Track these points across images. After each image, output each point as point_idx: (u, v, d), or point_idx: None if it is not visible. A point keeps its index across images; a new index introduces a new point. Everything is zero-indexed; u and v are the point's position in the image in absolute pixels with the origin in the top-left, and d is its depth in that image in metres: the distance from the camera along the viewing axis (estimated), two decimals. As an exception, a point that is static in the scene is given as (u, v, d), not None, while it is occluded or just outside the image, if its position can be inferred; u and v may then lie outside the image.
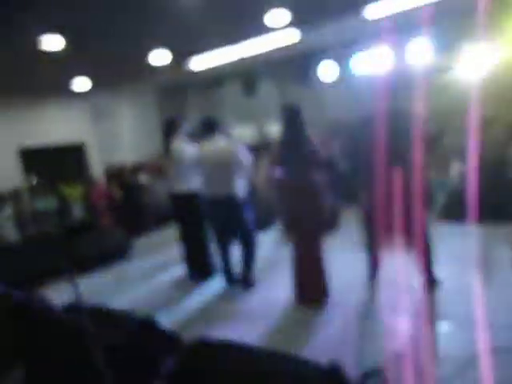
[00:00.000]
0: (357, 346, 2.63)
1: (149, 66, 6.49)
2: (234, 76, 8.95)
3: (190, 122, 5.03)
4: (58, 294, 3.21)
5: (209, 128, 3.81)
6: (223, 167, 3.67)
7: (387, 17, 5.74)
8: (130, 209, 7.54)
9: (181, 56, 6.47)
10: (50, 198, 6.61)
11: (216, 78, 8.94)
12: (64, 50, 4.97)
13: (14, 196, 6.03)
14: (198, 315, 3.48)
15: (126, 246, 6.12)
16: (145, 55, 6.06)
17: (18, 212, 5.72)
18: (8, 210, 5.69)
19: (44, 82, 6.74)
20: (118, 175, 7.88)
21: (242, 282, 3.84)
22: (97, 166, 8.55)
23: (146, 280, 4.63)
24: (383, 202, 3.12)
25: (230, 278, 3.92)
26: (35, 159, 7.60)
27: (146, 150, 8.73)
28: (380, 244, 3.38)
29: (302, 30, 6.11)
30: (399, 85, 3.32)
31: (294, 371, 1.66)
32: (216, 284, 4.09)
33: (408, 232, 3.22)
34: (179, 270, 4.54)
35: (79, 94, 7.72)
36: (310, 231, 3.29)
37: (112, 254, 5.75)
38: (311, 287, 3.34)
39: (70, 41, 4.81)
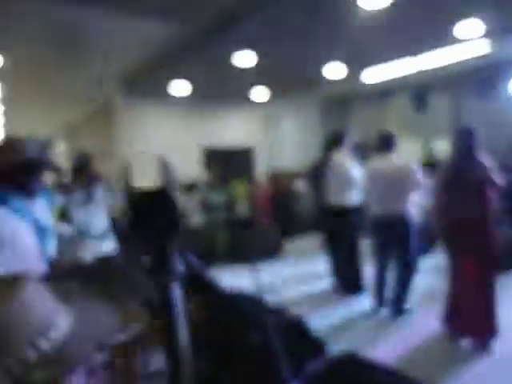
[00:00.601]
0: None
1: (321, 78, 6.78)
2: (404, 88, 8.56)
3: (353, 135, 5.06)
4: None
5: (385, 144, 3.71)
6: (397, 186, 3.55)
7: None
8: (283, 212, 8.03)
9: (355, 69, 6.55)
10: (222, 193, 7.53)
11: (385, 90, 8.70)
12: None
13: (197, 187, 7.15)
14: (343, 329, 3.49)
15: (279, 246, 6.56)
16: (319, 68, 6.36)
17: (200, 201, 6.75)
18: (196, 198, 6.77)
19: (228, 90, 7.73)
20: (277, 179, 8.48)
21: (393, 305, 3.69)
22: (262, 169, 9.34)
23: (295, 282, 4.86)
24: None
25: (380, 298, 3.79)
26: (214, 158, 8.81)
27: (307, 159, 9.11)
28: None
29: (496, 41, 5.46)
30: None
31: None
32: (364, 302, 4.03)
33: None
34: (326, 280, 4.62)
35: (256, 103, 8.58)
36: (479, 263, 2.96)
37: (266, 252, 6.23)
38: (472, 323, 3.00)
39: (258, 55, 5.40)
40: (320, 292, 4.48)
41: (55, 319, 0.55)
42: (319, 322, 3.57)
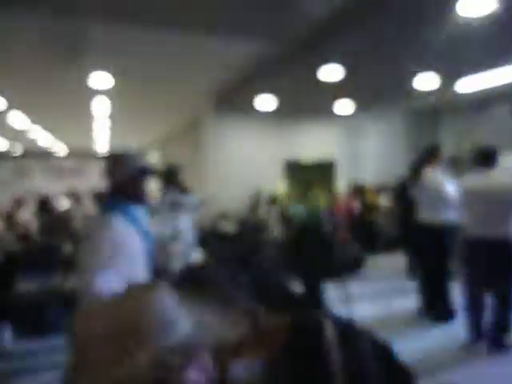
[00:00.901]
0: None
1: (411, 89, 6.49)
2: (503, 98, 7.80)
3: (444, 148, 4.75)
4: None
5: (485, 159, 3.40)
6: (500, 205, 3.25)
7: None
8: (365, 227, 7.76)
9: (448, 79, 6.15)
10: (299, 205, 7.54)
11: (481, 100, 8.02)
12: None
13: (279, 200, 7.29)
14: (431, 359, 3.24)
15: (360, 262, 6.34)
16: (410, 79, 6.09)
17: (279, 214, 6.87)
18: (277, 211, 6.90)
19: (312, 104, 7.75)
20: (359, 193, 8.24)
21: (491, 338, 3.33)
22: (344, 182, 9.18)
23: (376, 302, 4.65)
24: None
25: (477, 331, 3.44)
26: (295, 170, 8.89)
27: (391, 173, 8.74)
28: None
29: None
30: None
31: None
32: (455, 331, 3.70)
33: None
34: (411, 302, 4.34)
35: (339, 116, 8.48)
36: None
37: (346, 267, 6.05)
38: None
39: (345, 68, 5.34)
40: (404, 315, 4.23)
41: (179, 320, 0.64)
42: (404, 348, 3.36)
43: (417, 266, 5.51)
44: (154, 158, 13.43)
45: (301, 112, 8.41)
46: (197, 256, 4.02)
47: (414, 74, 5.92)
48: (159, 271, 2.15)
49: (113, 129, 10.30)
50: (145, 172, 1.91)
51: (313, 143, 9.18)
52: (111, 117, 8.61)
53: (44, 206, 6.69)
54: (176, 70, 5.81)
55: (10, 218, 5.71)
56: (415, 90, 6.50)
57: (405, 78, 6.10)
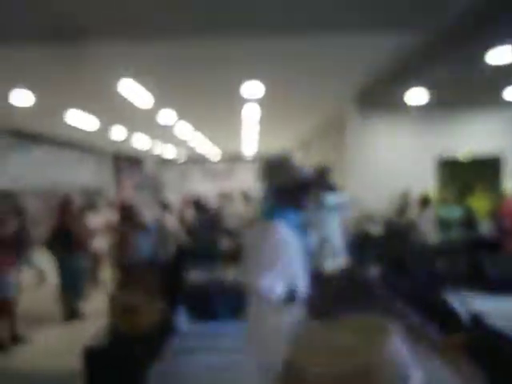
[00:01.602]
0: None
1: None
2: None
3: None
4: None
5: None
6: None
7: None
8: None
9: None
10: (456, 208, 6.72)
11: None
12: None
13: (432, 201, 6.65)
14: None
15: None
16: None
17: (435, 217, 6.27)
18: (430, 214, 6.33)
19: (475, 92, 6.83)
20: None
21: None
22: (512, 181, 7.85)
23: None
24: None
25: None
26: (450, 169, 8.00)
27: None
28: None
29: None
30: None
31: None
32: None
33: None
34: None
35: (508, 103, 7.27)
36: None
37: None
38: None
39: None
40: None
41: (412, 371, 0.57)
42: None
43: None
44: (297, 160, 13.80)
45: (458, 102, 7.48)
46: (343, 259, 3.97)
47: None
48: (316, 274, 2.20)
49: (260, 133, 10.97)
50: (307, 180, 1.97)
51: (473, 137, 8.04)
52: (259, 122, 9.16)
53: (198, 205, 7.57)
54: (320, 70, 5.80)
55: (179, 215, 6.63)
56: None
57: None
